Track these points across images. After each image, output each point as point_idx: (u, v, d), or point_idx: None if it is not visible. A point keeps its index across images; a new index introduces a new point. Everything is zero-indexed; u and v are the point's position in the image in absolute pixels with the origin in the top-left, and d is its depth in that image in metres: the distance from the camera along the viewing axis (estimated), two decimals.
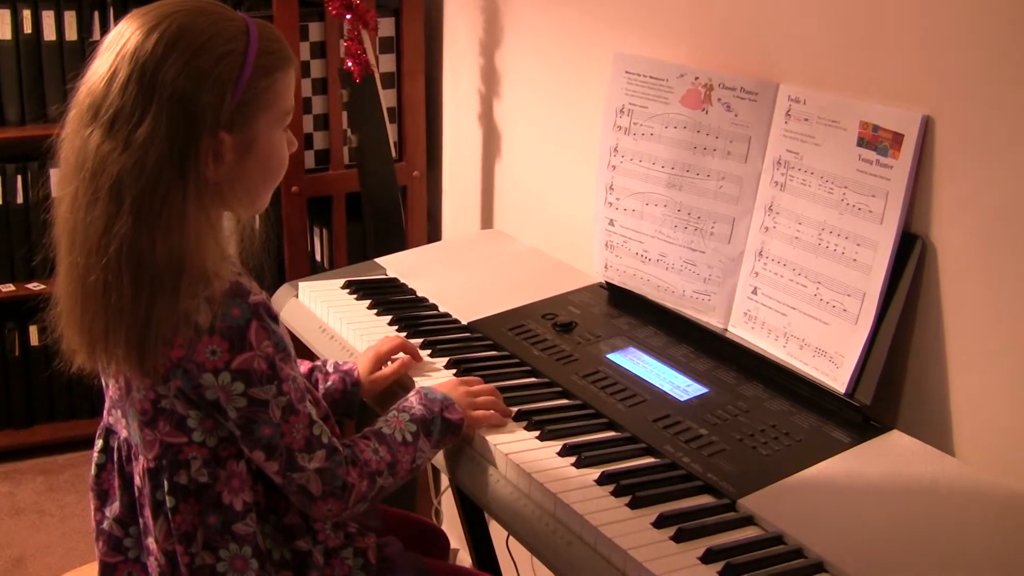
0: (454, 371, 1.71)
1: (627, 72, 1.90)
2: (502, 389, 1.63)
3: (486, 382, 1.64)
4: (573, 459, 1.46)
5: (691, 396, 1.61)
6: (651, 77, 1.86)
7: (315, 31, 2.78)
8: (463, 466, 1.54)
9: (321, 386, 1.67)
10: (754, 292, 1.73)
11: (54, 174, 1.50)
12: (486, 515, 2.19)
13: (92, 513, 1.52)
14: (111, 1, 3.25)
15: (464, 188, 2.78)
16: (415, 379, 1.69)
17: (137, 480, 1.44)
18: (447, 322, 1.91)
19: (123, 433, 1.46)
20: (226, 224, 1.43)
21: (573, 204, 2.26)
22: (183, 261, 1.31)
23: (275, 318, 1.37)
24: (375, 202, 2.59)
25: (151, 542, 1.44)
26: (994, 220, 1.43)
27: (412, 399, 1.54)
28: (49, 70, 3.24)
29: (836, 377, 1.58)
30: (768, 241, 1.70)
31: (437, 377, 1.69)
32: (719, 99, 1.77)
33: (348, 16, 2.44)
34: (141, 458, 1.42)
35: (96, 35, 3.25)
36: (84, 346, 1.36)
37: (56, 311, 1.38)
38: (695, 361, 1.71)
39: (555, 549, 1.35)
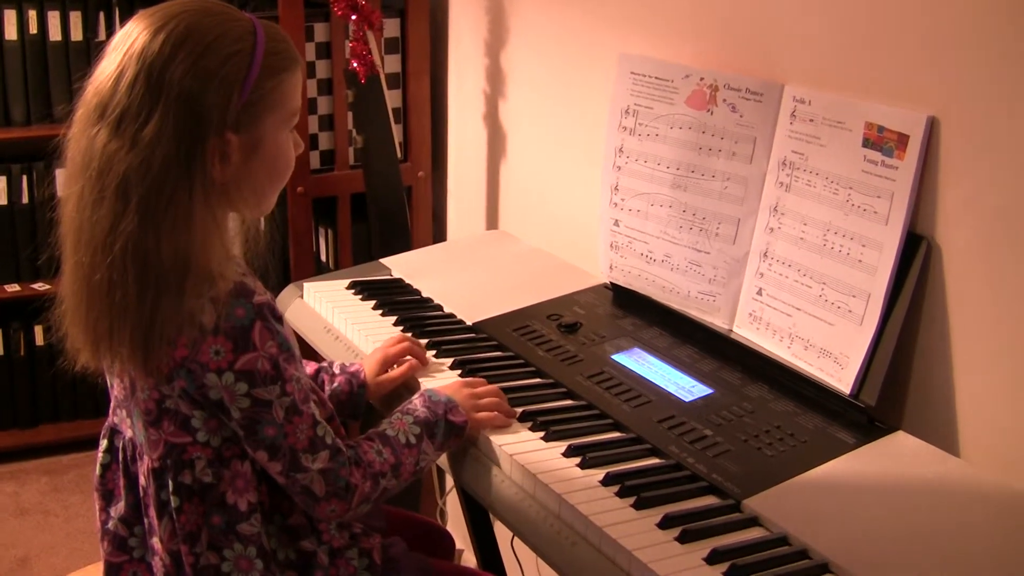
0: (459, 372, 1.71)
1: (632, 73, 1.90)
2: (507, 390, 1.63)
3: (491, 383, 1.64)
4: (578, 460, 1.46)
5: (696, 397, 1.61)
6: (656, 78, 1.86)
7: (320, 32, 2.78)
8: (468, 467, 1.54)
9: (327, 387, 1.67)
10: (759, 293, 1.73)
11: (59, 174, 1.50)
12: (491, 516, 2.20)
13: (97, 513, 1.52)
14: (116, 1, 3.26)
15: (469, 189, 2.78)
16: (420, 380, 1.69)
17: (142, 480, 1.44)
18: (452, 323, 1.91)
19: (128, 433, 1.46)
20: (231, 225, 1.43)
21: (578, 205, 2.26)
22: (188, 261, 1.31)
23: (279, 319, 1.37)
24: (380, 202, 2.59)
25: (156, 542, 1.44)
26: (999, 221, 1.43)
27: (416, 402, 1.54)
28: (54, 70, 3.25)
29: (841, 378, 1.58)
30: (773, 242, 1.70)
31: (442, 378, 1.70)
32: (724, 100, 1.77)
33: (353, 17, 2.44)
34: (146, 458, 1.42)
35: (101, 35, 3.26)
36: (88, 345, 1.36)
37: (61, 310, 1.38)
38: (700, 362, 1.71)
39: (560, 550, 1.35)
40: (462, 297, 1.99)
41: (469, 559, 2.57)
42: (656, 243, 1.89)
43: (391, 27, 2.81)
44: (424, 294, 2.03)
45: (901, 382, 1.57)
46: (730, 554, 1.26)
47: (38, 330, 3.36)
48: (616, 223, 1.95)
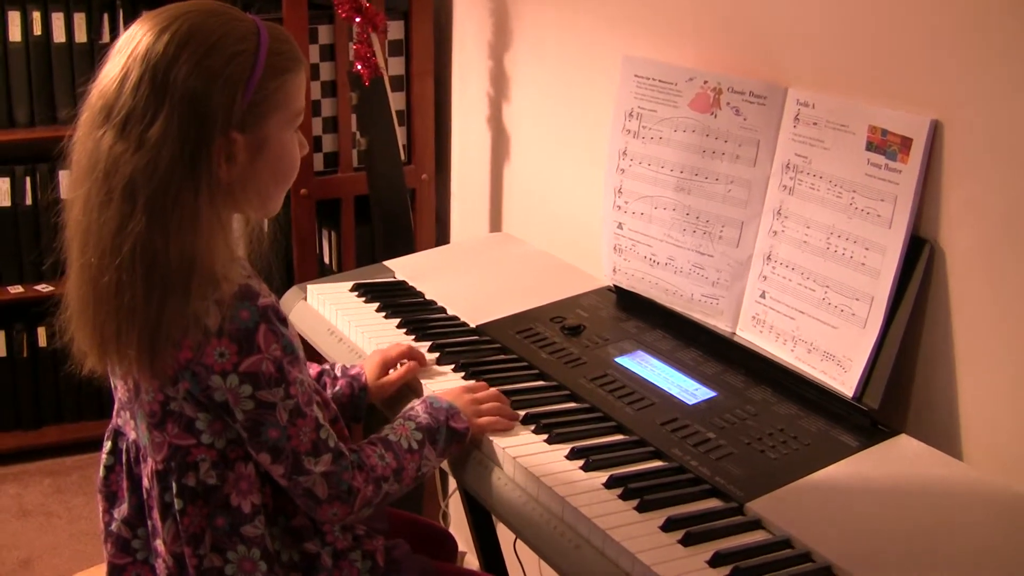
0: (462, 374, 1.71)
1: (636, 75, 1.90)
2: (510, 392, 1.63)
3: (494, 385, 1.64)
4: (581, 462, 1.46)
5: (699, 400, 1.61)
6: (660, 80, 1.86)
7: (324, 34, 2.78)
8: (471, 469, 1.54)
9: (329, 390, 1.67)
10: (762, 296, 1.73)
11: (63, 177, 1.50)
12: (494, 518, 2.20)
13: (100, 515, 1.52)
14: (121, 3, 3.26)
15: (473, 191, 2.78)
16: (423, 382, 1.69)
17: (145, 482, 1.45)
18: (455, 325, 1.91)
19: (132, 435, 1.46)
20: (236, 227, 1.43)
21: (581, 207, 2.26)
22: (194, 261, 1.31)
23: (284, 321, 1.37)
24: (384, 205, 2.59)
25: (159, 544, 1.44)
26: (1002, 224, 1.43)
27: (418, 408, 1.54)
28: (59, 72, 3.25)
29: (844, 381, 1.58)
30: (776, 245, 1.70)
31: (445, 380, 1.70)
32: (728, 103, 1.77)
33: (357, 19, 2.44)
34: (149, 460, 1.42)
35: (106, 37, 3.26)
36: (95, 348, 1.36)
37: (66, 315, 1.38)
38: (703, 365, 1.71)
39: (563, 552, 1.35)
40: (465, 299, 1.99)
41: (472, 561, 2.57)
42: (659, 246, 1.89)
43: (395, 29, 2.81)
44: (427, 296, 2.03)
45: (904, 385, 1.57)
46: (733, 557, 1.26)
47: (41, 331, 3.36)
48: (619, 226, 1.95)
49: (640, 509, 1.36)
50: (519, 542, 1.45)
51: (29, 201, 3.28)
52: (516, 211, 2.59)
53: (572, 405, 1.63)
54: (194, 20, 1.33)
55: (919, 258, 1.52)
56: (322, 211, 2.88)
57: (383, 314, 1.93)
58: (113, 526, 1.50)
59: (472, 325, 1.90)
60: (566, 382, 1.68)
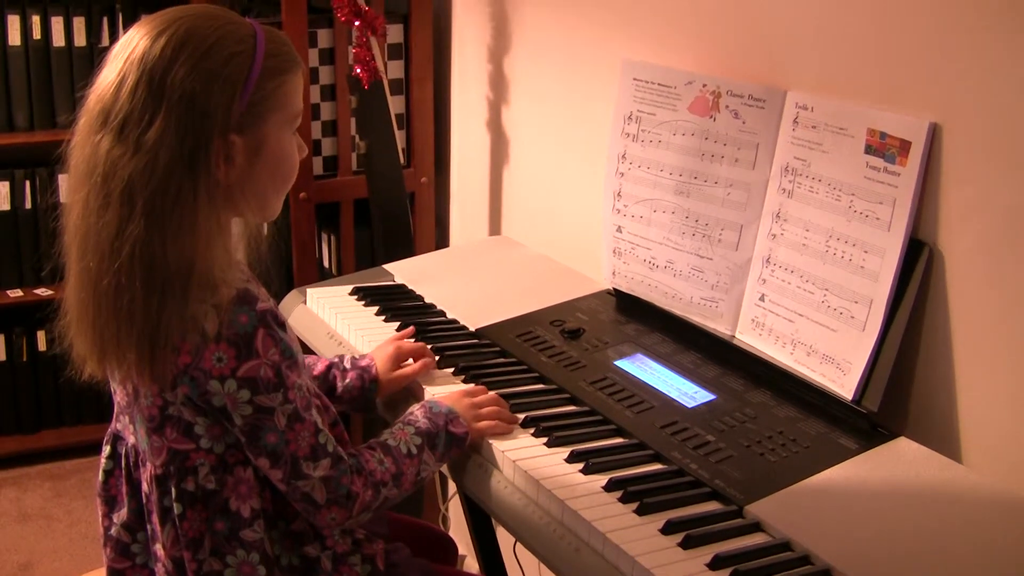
0: (462, 378, 1.71)
1: (635, 79, 1.90)
2: (509, 396, 1.63)
3: (494, 388, 1.64)
4: (581, 465, 1.46)
5: (699, 403, 1.61)
6: (659, 84, 1.86)
7: (324, 38, 2.78)
8: (471, 472, 1.54)
9: (339, 383, 1.67)
10: (761, 299, 1.73)
11: (62, 181, 1.50)
12: (493, 521, 2.19)
13: (100, 519, 1.52)
14: (120, 7, 3.26)
15: (472, 194, 2.78)
16: (424, 386, 1.69)
17: (145, 486, 1.45)
18: (455, 328, 1.91)
19: (131, 439, 1.46)
20: (235, 231, 1.43)
21: (581, 210, 2.26)
22: (192, 265, 1.31)
23: (283, 325, 1.37)
24: (383, 208, 2.59)
25: (159, 548, 1.44)
26: (1001, 227, 1.43)
27: (417, 412, 1.54)
28: (58, 76, 3.25)
29: (843, 384, 1.58)
30: (776, 248, 1.70)
31: (445, 383, 1.70)
32: (727, 106, 1.77)
33: (357, 23, 2.44)
34: (149, 464, 1.42)
35: (105, 41, 3.26)
36: (95, 352, 1.36)
37: (66, 320, 1.38)
38: (702, 368, 1.71)
39: (562, 555, 1.35)
40: (465, 303, 1.99)
41: (472, 565, 2.57)
42: (659, 249, 1.89)
43: (394, 33, 2.81)
44: (427, 300, 2.03)
45: (903, 388, 1.57)
46: (732, 560, 1.26)
47: (41, 335, 3.36)
48: (619, 229, 1.95)
49: (640, 512, 1.36)
50: (519, 545, 1.45)
51: (28, 205, 3.28)
52: (516, 214, 2.59)
53: (572, 408, 1.63)
54: (191, 23, 1.33)
55: (918, 261, 1.52)
56: (321, 214, 2.88)
57: (383, 317, 1.93)
58: (112, 530, 1.50)
59: (472, 328, 1.90)
60: (566, 385, 1.68)
